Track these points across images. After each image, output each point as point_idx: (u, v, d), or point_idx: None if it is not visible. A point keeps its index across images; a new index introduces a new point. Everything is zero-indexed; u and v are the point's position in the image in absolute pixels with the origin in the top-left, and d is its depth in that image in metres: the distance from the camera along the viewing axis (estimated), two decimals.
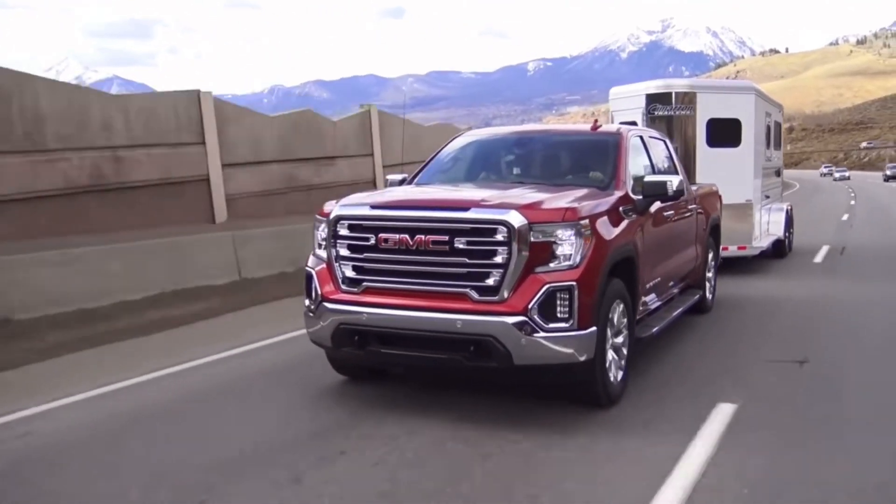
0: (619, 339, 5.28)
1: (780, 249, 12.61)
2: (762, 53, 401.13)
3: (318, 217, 5.42)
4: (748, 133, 10.76)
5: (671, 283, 6.96)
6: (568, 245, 4.75)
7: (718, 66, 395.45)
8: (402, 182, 6.47)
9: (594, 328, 4.79)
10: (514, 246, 4.64)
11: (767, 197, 12.31)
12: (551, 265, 4.71)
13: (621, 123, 9.87)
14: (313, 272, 5.30)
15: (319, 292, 5.18)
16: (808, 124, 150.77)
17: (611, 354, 5.13)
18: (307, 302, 5.36)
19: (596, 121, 6.86)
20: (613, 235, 5.15)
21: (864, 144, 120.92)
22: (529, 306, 4.62)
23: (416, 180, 6.46)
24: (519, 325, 4.61)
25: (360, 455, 4.34)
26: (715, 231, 8.50)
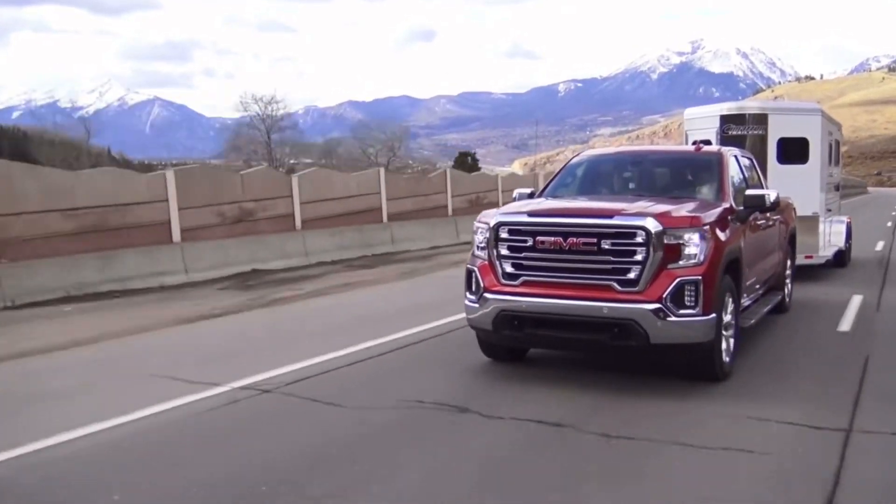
0: (729, 326, 6.31)
1: (840, 259, 13.40)
2: (798, 80, 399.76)
3: (479, 223, 6.54)
4: (815, 151, 11.70)
5: (758, 285, 7.95)
6: (694, 246, 5.81)
7: (756, 92, 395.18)
8: (530, 195, 7.57)
9: (714, 315, 5.84)
10: (651, 247, 5.71)
11: (829, 210, 13.15)
12: (681, 262, 5.77)
13: (695, 142, 10.91)
14: (475, 269, 6.41)
15: (482, 285, 6.29)
16: (853, 151, 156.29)
17: (723, 339, 6.17)
18: (468, 294, 6.47)
19: (698, 143, 7.93)
20: (725, 239, 6.20)
21: None
22: (664, 295, 5.68)
23: (544, 194, 7.55)
24: (655, 311, 5.68)
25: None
26: (792, 239, 9.49)
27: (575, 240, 5.89)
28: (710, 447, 4.70)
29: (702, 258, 5.81)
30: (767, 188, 8.20)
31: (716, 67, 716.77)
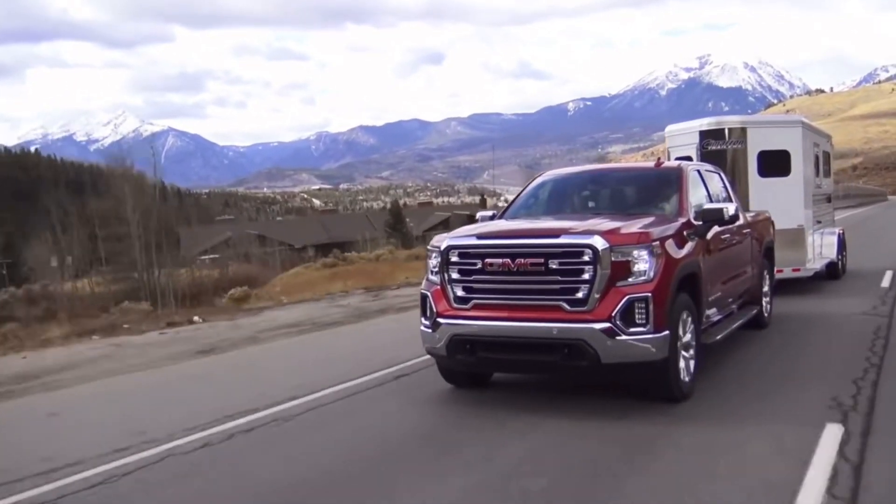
0: (688, 344, 6.17)
1: (833, 271, 13.16)
2: (808, 93, 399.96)
3: (431, 248, 6.49)
4: (797, 163, 11.49)
5: (730, 299, 7.80)
6: (643, 263, 5.70)
7: (767, 106, 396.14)
8: (492, 217, 7.51)
9: (667, 332, 5.71)
10: (599, 265, 5.61)
11: (819, 222, 12.90)
12: (629, 280, 5.67)
13: (677, 158, 10.84)
14: (428, 294, 6.33)
15: (435, 310, 6.20)
16: (868, 163, 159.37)
17: (681, 357, 6.04)
18: (423, 319, 6.40)
19: (659, 158, 7.86)
20: (680, 255, 6.10)
21: None
22: (613, 314, 5.57)
23: (504, 215, 7.50)
24: (605, 330, 5.57)
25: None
26: (769, 253, 9.32)
27: (523, 261, 5.81)
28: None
29: (651, 275, 5.70)
30: (749, 200, 8.06)
31: (724, 82, 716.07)
